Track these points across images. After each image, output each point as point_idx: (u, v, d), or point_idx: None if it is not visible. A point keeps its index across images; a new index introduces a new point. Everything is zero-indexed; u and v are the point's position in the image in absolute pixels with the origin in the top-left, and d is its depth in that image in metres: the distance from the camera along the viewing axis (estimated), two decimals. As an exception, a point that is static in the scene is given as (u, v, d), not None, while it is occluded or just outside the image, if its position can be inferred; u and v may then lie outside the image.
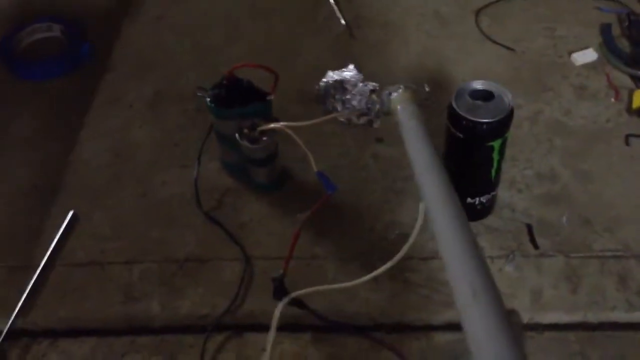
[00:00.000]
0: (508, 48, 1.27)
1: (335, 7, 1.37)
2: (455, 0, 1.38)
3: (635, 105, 1.14)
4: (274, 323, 0.87)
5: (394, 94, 0.97)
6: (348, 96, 1.01)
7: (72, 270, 1.00)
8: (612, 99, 1.16)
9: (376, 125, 1.01)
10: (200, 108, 1.16)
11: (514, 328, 0.64)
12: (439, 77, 1.22)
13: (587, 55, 1.24)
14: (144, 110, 1.22)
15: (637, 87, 1.18)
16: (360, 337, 0.91)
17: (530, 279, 0.95)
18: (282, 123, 0.99)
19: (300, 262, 0.97)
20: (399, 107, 0.95)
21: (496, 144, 0.91)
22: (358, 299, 0.93)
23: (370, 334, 0.91)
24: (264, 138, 1.00)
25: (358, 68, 1.02)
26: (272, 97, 1.01)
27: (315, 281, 0.95)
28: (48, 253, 1.01)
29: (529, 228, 1.00)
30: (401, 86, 0.97)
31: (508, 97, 0.90)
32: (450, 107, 0.90)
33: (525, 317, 0.91)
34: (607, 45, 1.24)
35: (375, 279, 0.94)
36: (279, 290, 0.90)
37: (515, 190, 1.05)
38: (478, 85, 0.92)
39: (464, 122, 0.89)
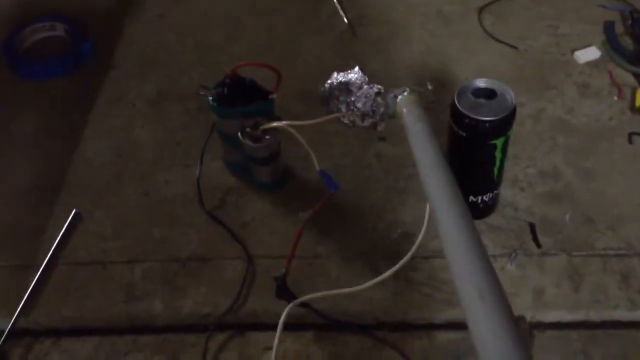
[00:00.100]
0: (511, 46, 1.27)
1: (338, 6, 1.37)
2: (458, -2, 1.38)
3: (638, 103, 1.13)
4: (280, 325, 0.87)
5: (400, 97, 0.97)
6: (353, 98, 1.01)
7: (74, 270, 1.00)
8: (615, 97, 1.16)
9: (380, 127, 1.01)
10: (202, 107, 1.16)
11: (524, 335, 0.64)
12: (441, 75, 1.22)
13: (590, 53, 1.23)
14: (146, 109, 1.22)
15: (640, 85, 1.18)
16: (363, 335, 0.91)
17: (532, 278, 0.95)
18: (284, 122, 0.99)
19: (302, 261, 0.97)
20: (404, 110, 0.95)
21: (499, 142, 0.91)
22: (360, 297, 0.93)
23: (372, 332, 0.91)
24: (267, 137, 1.00)
25: (363, 70, 1.02)
26: (274, 95, 1.00)
27: (317, 280, 0.96)
28: (50, 252, 1.01)
29: (532, 227, 1.00)
30: (406, 89, 0.97)
31: (511, 95, 0.90)
32: (453, 105, 0.90)
33: (528, 316, 0.91)
34: (610, 43, 1.24)
35: (377, 276, 0.94)
36: (282, 289, 0.90)
37: (517, 189, 1.05)
38: (481, 83, 0.91)
39: (467, 121, 0.89)
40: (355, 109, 1.01)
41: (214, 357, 0.91)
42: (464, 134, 0.90)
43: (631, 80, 1.19)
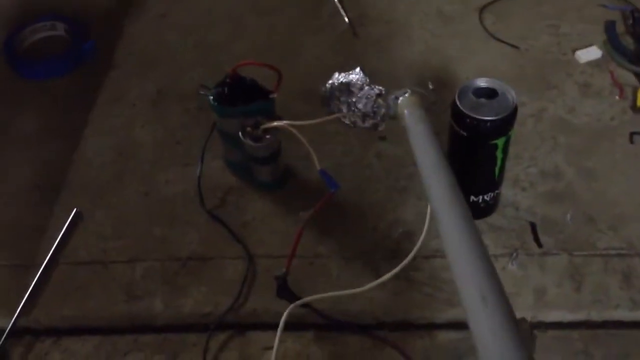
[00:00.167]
0: (512, 46, 1.27)
1: (339, 5, 1.37)
2: (459, -2, 1.38)
3: (639, 103, 1.13)
4: (281, 325, 0.87)
5: (401, 98, 0.96)
6: (354, 99, 1.01)
7: (75, 269, 1.00)
8: (617, 97, 1.16)
9: (381, 128, 1.01)
10: (202, 106, 1.15)
11: (525, 336, 0.64)
12: (442, 75, 1.21)
13: (591, 53, 1.23)
14: (147, 109, 1.22)
15: (641, 84, 1.18)
16: (363, 335, 0.91)
17: (533, 278, 0.94)
18: (285, 121, 0.99)
19: (303, 261, 0.97)
20: (405, 111, 0.95)
21: (500, 142, 0.90)
22: (361, 297, 0.93)
23: (373, 332, 0.91)
24: (267, 136, 1.00)
25: (364, 71, 1.02)
26: (275, 95, 1.00)
27: (318, 280, 0.96)
28: (51, 252, 1.01)
29: (533, 226, 1.00)
30: (408, 90, 0.97)
31: (512, 95, 0.89)
32: (454, 105, 0.90)
33: (529, 316, 0.91)
34: (612, 42, 1.24)
35: (378, 276, 0.94)
36: (282, 288, 0.90)
37: (519, 189, 1.04)
38: (482, 82, 0.91)
39: (468, 120, 0.88)
40: (356, 110, 1.01)
41: (214, 357, 0.90)
42: (465, 133, 0.90)
43: (632, 79, 1.19)
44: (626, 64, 1.20)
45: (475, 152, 0.93)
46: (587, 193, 1.03)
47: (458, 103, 0.89)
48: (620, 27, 1.27)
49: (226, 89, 1.01)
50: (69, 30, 1.37)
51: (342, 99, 1.03)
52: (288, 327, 0.88)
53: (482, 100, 0.89)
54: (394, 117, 0.98)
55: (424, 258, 0.96)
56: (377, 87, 1.00)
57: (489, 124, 0.88)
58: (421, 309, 0.93)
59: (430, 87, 1.03)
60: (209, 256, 1.00)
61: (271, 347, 0.87)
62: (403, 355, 0.88)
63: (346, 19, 1.34)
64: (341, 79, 1.03)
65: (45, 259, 1.00)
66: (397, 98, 0.97)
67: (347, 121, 1.05)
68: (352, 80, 1.02)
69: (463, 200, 0.79)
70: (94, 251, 1.02)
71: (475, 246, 0.71)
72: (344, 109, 1.02)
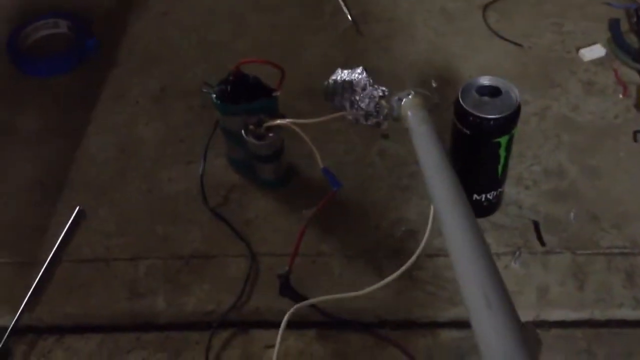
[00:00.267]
0: (515, 44, 1.26)
1: (342, 3, 1.37)
2: (462, -4, 1.38)
3: (643, 101, 1.13)
4: (284, 324, 0.87)
5: (404, 100, 0.96)
6: (357, 97, 1.01)
7: (77, 267, 1.00)
8: (621, 95, 1.16)
9: (384, 127, 1.01)
10: (205, 104, 1.15)
11: (531, 340, 0.64)
12: (446, 73, 1.21)
13: (595, 51, 1.23)
14: (150, 106, 1.22)
15: (645, 83, 1.17)
16: (366, 334, 0.91)
17: (536, 276, 0.94)
18: (288, 119, 0.98)
19: (305, 259, 0.97)
20: (409, 112, 0.95)
21: (503, 140, 0.90)
22: (364, 295, 0.93)
23: (375, 330, 0.91)
24: (270, 134, 1.00)
25: (367, 71, 1.02)
26: (278, 93, 1.00)
27: (320, 278, 0.96)
28: (54, 249, 1.01)
29: (536, 225, 1.00)
30: (411, 91, 0.97)
31: (515, 93, 0.89)
32: (457, 103, 0.89)
33: (532, 315, 0.91)
34: (616, 40, 1.24)
35: (381, 275, 0.94)
36: (285, 287, 0.90)
37: (522, 187, 1.04)
38: (485, 81, 0.91)
39: (471, 118, 0.88)
40: (359, 108, 1.01)
41: (217, 355, 0.90)
42: (468, 132, 0.90)
43: (636, 78, 1.18)
44: (630, 62, 1.20)
45: (478, 151, 0.93)
46: (591, 191, 1.03)
47: (461, 101, 0.89)
48: (624, 25, 1.27)
49: (229, 87, 1.00)
50: (72, 27, 1.37)
51: (346, 95, 1.03)
52: (290, 325, 0.88)
53: (486, 98, 0.89)
54: (397, 118, 0.98)
55: (427, 257, 0.96)
56: (380, 87, 1.00)
57: (492, 122, 0.88)
58: (424, 307, 0.93)
59: (434, 85, 1.03)
60: (212, 254, 1.00)
61: (273, 345, 0.87)
62: (405, 353, 0.88)
63: (349, 17, 1.34)
64: (345, 77, 1.03)
65: (48, 257, 1.00)
66: (400, 99, 0.97)
67: (350, 117, 1.05)
68: (355, 79, 1.02)
69: (466, 200, 0.79)
70: (97, 249, 1.02)
71: (478, 246, 0.71)
72: (347, 106, 1.02)
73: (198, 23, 1.37)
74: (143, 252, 1.01)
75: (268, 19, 1.37)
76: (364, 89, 1.01)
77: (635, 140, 1.09)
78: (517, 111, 0.89)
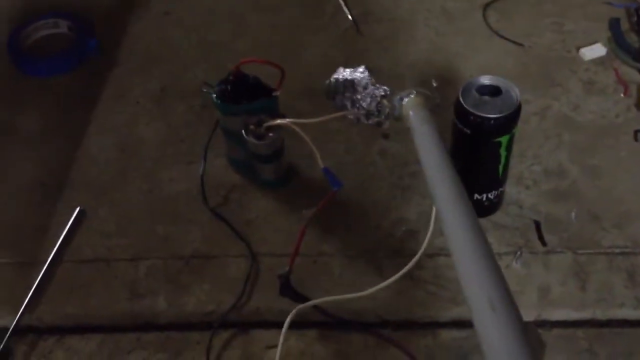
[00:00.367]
0: (516, 43, 1.26)
1: (342, 3, 1.37)
2: (462, -5, 1.38)
3: (644, 100, 1.13)
4: (286, 325, 0.87)
5: (406, 99, 0.96)
6: (358, 96, 1.01)
7: (78, 267, 1.00)
8: (621, 94, 1.16)
9: (385, 126, 1.01)
10: (206, 104, 1.15)
11: (534, 343, 0.64)
12: (446, 73, 1.21)
13: (595, 50, 1.23)
14: (150, 106, 1.22)
15: (646, 82, 1.17)
16: (367, 334, 0.91)
17: (538, 276, 0.94)
18: (288, 119, 0.98)
19: (306, 259, 0.96)
20: (410, 112, 0.94)
21: (504, 139, 0.90)
22: (365, 295, 0.93)
23: (376, 330, 0.91)
24: (270, 134, 1.00)
25: (369, 70, 1.02)
26: (278, 93, 1.00)
27: (321, 279, 0.95)
28: (55, 249, 1.01)
29: (537, 224, 0.99)
30: (413, 91, 0.97)
31: (516, 93, 0.89)
32: (457, 103, 0.89)
33: (533, 315, 0.91)
34: (616, 40, 1.23)
35: (381, 275, 0.94)
36: (285, 287, 0.90)
37: (523, 187, 1.04)
38: (485, 80, 0.91)
39: (471, 118, 0.88)
40: (360, 107, 1.01)
41: (217, 355, 0.90)
42: (468, 131, 0.90)
43: (637, 77, 1.18)
44: (631, 61, 1.20)
45: (478, 150, 0.93)
46: (592, 191, 1.03)
47: (462, 101, 0.89)
48: (624, 25, 1.26)
49: (229, 87, 1.00)
50: (72, 27, 1.37)
51: (347, 94, 1.03)
52: (291, 325, 0.88)
53: (486, 97, 0.89)
54: (398, 118, 0.97)
55: (428, 256, 0.96)
56: (382, 87, 1.00)
57: (492, 121, 0.88)
58: (425, 307, 0.92)
59: (434, 84, 1.02)
60: (212, 254, 1.00)
61: (274, 346, 0.87)
62: (407, 354, 0.88)
63: (350, 17, 1.34)
64: (346, 75, 1.03)
65: (48, 257, 1.00)
66: (402, 99, 0.96)
67: (351, 116, 1.05)
68: (357, 78, 1.02)
69: (468, 201, 0.79)
70: (98, 249, 1.02)
71: (480, 246, 0.71)
72: (348, 105, 1.02)
73: (198, 23, 1.37)
74: (143, 252, 1.01)
75: (268, 19, 1.37)
76: (365, 88, 1.00)
77: (636, 139, 1.09)
78: (517, 111, 0.89)
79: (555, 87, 1.18)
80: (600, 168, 1.06)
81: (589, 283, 0.93)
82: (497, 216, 1.01)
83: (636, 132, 1.10)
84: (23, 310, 0.95)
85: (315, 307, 0.91)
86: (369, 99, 1.00)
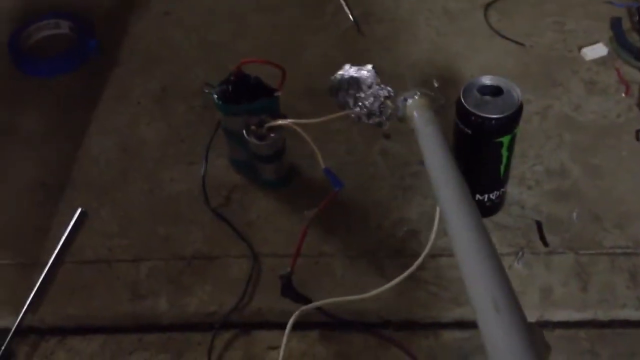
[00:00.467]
0: (517, 43, 1.26)
1: (343, 3, 1.36)
2: (464, -5, 1.37)
3: (646, 100, 1.13)
4: (289, 327, 0.87)
5: (410, 100, 0.96)
6: (362, 95, 1.00)
7: (80, 268, 1.00)
8: (623, 94, 1.16)
9: (385, 127, 1.01)
10: (207, 104, 1.15)
11: (538, 342, 0.64)
12: (447, 73, 1.21)
13: (597, 50, 1.22)
14: (152, 106, 1.22)
15: (647, 82, 1.17)
16: (369, 334, 0.91)
17: (539, 277, 0.94)
18: (289, 120, 0.98)
19: (307, 260, 0.96)
20: (415, 113, 0.94)
21: (505, 139, 0.90)
22: (368, 297, 0.93)
23: (378, 331, 0.91)
24: (272, 135, 1.00)
25: (376, 70, 1.02)
26: (279, 93, 1.00)
27: (323, 279, 0.95)
28: (56, 250, 1.01)
29: (539, 225, 0.99)
30: (417, 92, 0.97)
31: (517, 93, 0.89)
32: (459, 103, 0.89)
33: (535, 315, 0.91)
34: (618, 39, 1.23)
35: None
36: (287, 287, 0.90)
37: (524, 187, 1.04)
38: (487, 80, 0.91)
39: (473, 118, 0.88)
40: (362, 105, 1.00)
41: (219, 356, 0.90)
42: (469, 131, 0.90)
43: (639, 76, 1.18)
44: (632, 60, 1.20)
45: (480, 150, 0.93)
46: (593, 191, 1.03)
47: (463, 101, 0.89)
48: (626, 24, 1.26)
49: (230, 87, 1.00)
50: (74, 28, 1.37)
51: (351, 91, 1.02)
52: (293, 326, 0.88)
53: (487, 97, 0.89)
54: (402, 119, 0.97)
55: (430, 257, 0.96)
56: (387, 88, 1.00)
57: (494, 121, 0.88)
58: (426, 308, 0.92)
59: (435, 85, 1.02)
60: (214, 255, 1.00)
61: (276, 347, 0.87)
62: (408, 354, 0.88)
63: (351, 17, 1.34)
64: (352, 73, 1.02)
65: (50, 258, 1.00)
66: (406, 100, 0.96)
67: (352, 114, 1.04)
68: (363, 76, 1.01)
69: (473, 201, 0.79)
70: (99, 250, 1.02)
71: (484, 247, 0.71)
72: (350, 102, 1.02)
73: (198, 23, 1.37)
74: (145, 253, 1.01)
75: (268, 19, 1.37)
76: (370, 87, 1.00)
77: (637, 139, 1.09)
78: (519, 111, 0.88)
79: (556, 87, 1.18)
80: (601, 168, 1.06)
81: (591, 284, 0.93)
82: (499, 216, 1.01)
83: (638, 131, 1.10)
84: (25, 311, 0.95)
85: (317, 308, 0.91)
86: (372, 99, 1.00)
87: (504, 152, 0.92)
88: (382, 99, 0.99)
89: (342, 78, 1.03)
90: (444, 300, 0.92)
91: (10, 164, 1.15)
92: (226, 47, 1.31)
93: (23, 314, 0.94)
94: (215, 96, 1.00)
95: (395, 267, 0.94)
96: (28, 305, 0.95)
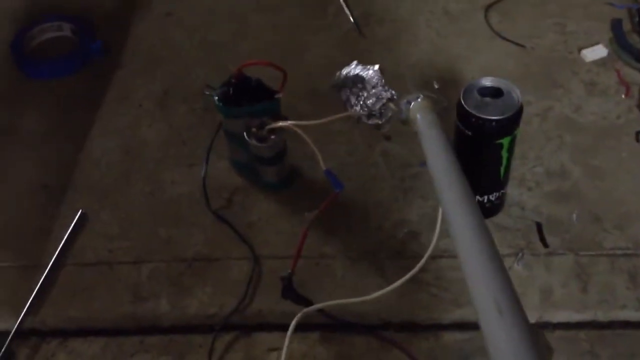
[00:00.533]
0: (517, 44, 1.26)
1: (344, 4, 1.37)
2: (464, -4, 1.38)
3: (646, 101, 1.13)
4: (291, 329, 0.87)
5: (413, 103, 0.96)
6: (365, 94, 1.00)
7: (81, 270, 1.00)
8: (623, 96, 1.16)
9: (384, 130, 1.01)
10: (208, 106, 1.15)
11: (540, 344, 0.64)
12: (448, 74, 1.21)
13: (597, 52, 1.23)
14: (153, 108, 1.22)
15: (648, 83, 1.17)
16: (369, 336, 0.91)
17: (539, 278, 0.94)
18: (290, 122, 0.98)
19: (308, 261, 0.96)
20: (418, 115, 0.94)
21: (505, 141, 0.90)
22: (369, 299, 0.93)
23: (379, 332, 0.91)
24: (273, 137, 1.00)
25: (382, 71, 1.02)
26: (280, 95, 1.00)
27: (323, 281, 0.96)
28: (57, 252, 1.01)
29: (539, 226, 0.99)
30: (420, 95, 0.97)
31: (517, 94, 0.89)
32: (459, 104, 0.89)
33: (535, 316, 0.91)
34: (618, 41, 1.23)
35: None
36: (288, 289, 0.90)
37: (524, 188, 1.04)
38: (487, 82, 0.91)
39: (473, 120, 0.88)
40: (363, 105, 1.00)
41: (219, 358, 0.91)
42: (470, 133, 0.90)
43: (639, 78, 1.18)
44: (633, 62, 1.20)
45: (480, 152, 0.93)
46: (593, 192, 1.03)
47: (463, 102, 0.89)
48: (626, 25, 1.26)
49: (231, 89, 1.00)
50: (76, 30, 1.37)
51: (354, 90, 1.02)
52: (294, 328, 0.88)
53: (488, 99, 0.89)
54: (405, 121, 0.97)
55: (430, 258, 0.95)
56: (391, 90, 1.00)
57: (494, 123, 0.88)
58: (427, 309, 0.92)
59: (436, 86, 1.02)
60: (215, 257, 1.00)
61: (276, 348, 0.88)
62: (409, 356, 0.88)
63: (351, 18, 1.34)
64: (358, 71, 1.02)
65: (51, 260, 1.00)
66: (409, 102, 0.96)
67: (352, 114, 1.05)
68: (368, 75, 1.01)
69: (476, 204, 0.79)
70: (100, 252, 1.02)
71: (487, 249, 0.71)
72: (352, 100, 1.02)
73: (199, 24, 1.37)
74: (146, 255, 1.01)
75: (269, 19, 1.37)
76: (374, 87, 1.00)
77: (637, 140, 1.09)
78: (519, 112, 0.89)
79: (556, 89, 1.18)
80: (601, 169, 1.06)
81: (591, 285, 0.93)
82: (499, 218, 1.01)
83: (638, 133, 1.10)
84: (25, 313, 0.95)
85: (318, 310, 0.91)
86: (374, 99, 1.00)
87: (504, 154, 0.92)
88: (385, 101, 0.99)
89: (348, 75, 1.03)
90: (445, 302, 0.93)
91: (11, 166, 1.16)
92: (226, 48, 1.31)
93: (24, 316, 0.95)
94: (216, 98, 1.00)
95: (395, 268, 0.94)
96: (29, 307, 0.95)
